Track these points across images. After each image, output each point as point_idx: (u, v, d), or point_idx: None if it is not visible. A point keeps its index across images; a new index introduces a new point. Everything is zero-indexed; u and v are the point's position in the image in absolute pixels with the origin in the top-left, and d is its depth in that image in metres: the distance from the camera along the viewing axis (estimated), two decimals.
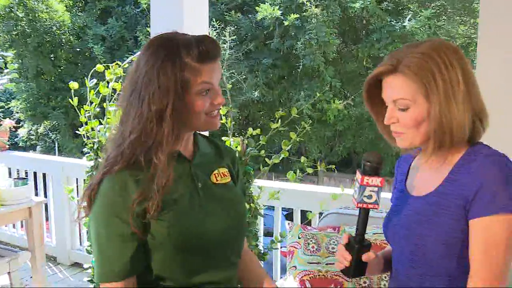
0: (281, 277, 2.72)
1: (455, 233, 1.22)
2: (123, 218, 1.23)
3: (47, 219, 4.79)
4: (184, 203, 1.31)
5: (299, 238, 2.40)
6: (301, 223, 2.91)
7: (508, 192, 1.17)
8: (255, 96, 13.21)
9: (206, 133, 2.95)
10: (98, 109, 2.73)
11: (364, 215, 1.28)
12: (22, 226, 4.76)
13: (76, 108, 2.75)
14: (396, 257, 1.40)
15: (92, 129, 2.74)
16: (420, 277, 1.30)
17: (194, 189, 1.35)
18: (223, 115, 2.61)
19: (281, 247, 3.18)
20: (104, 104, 2.70)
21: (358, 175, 1.26)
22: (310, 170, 2.67)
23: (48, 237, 4.78)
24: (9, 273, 3.60)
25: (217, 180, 1.42)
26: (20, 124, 15.75)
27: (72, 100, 2.76)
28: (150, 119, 1.24)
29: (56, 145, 16.30)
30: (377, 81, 1.33)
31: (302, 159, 2.76)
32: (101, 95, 2.70)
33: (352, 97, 12.85)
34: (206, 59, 1.27)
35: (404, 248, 1.34)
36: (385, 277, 2.13)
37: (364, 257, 1.30)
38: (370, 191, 1.24)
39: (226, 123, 2.63)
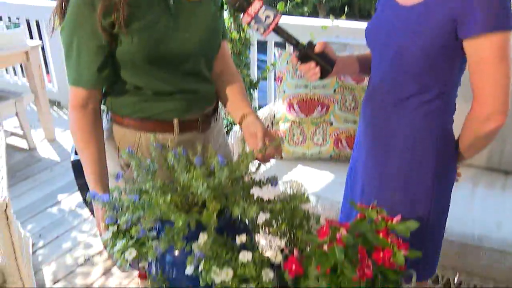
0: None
1: (435, 46, 1.25)
2: (92, 30, 1.26)
3: (46, 67, 4.86)
4: (153, 17, 1.31)
5: (287, 64, 2.47)
6: None
7: (502, 10, 1.16)
8: None
9: None
10: None
11: (280, 31, 1.29)
12: (22, 73, 4.86)
13: None
14: (374, 63, 1.46)
15: None
16: (392, 80, 1.38)
17: (165, 5, 1.34)
18: None
19: (275, 80, 3.28)
20: None
21: (245, 17, 1.24)
22: None
23: (49, 83, 4.91)
24: (17, 114, 3.78)
25: None
26: None
27: None
28: None
29: None
30: None
31: None
32: None
33: None
34: None
35: (382, 55, 1.39)
36: None
37: (317, 48, 1.34)
38: (263, 13, 1.24)
39: None
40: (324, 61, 1.35)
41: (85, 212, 3.10)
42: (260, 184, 1.13)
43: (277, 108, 2.54)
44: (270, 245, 2.39)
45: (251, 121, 1.40)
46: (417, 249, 1.04)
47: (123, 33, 1.28)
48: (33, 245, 2.78)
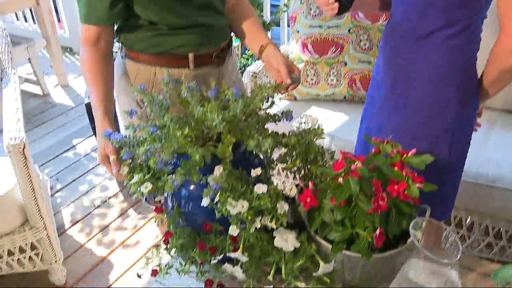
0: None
1: None
2: None
3: (57, 13, 4.79)
4: None
5: (301, 3, 2.41)
6: None
7: None
8: None
9: None
10: None
11: None
12: (33, 19, 4.80)
13: None
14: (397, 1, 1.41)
15: None
16: (418, 14, 1.31)
17: None
18: None
19: (288, 25, 3.21)
20: None
21: None
22: None
23: (61, 29, 4.85)
24: (29, 60, 3.76)
25: None
26: None
27: None
28: None
29: None
30: None
31: None
32: None
33: None
34: None
35: None
36: None
37: None
38: None
39: None
40: None
41: None
42: (274, 118, 1.13)
43: (291, 49, 2.50)
44: (284, 186, 2.42)
45: (272, 53, 1.39)
46: (435, 190, 1.04)
47: None
48: (51, 188, 2.84)
